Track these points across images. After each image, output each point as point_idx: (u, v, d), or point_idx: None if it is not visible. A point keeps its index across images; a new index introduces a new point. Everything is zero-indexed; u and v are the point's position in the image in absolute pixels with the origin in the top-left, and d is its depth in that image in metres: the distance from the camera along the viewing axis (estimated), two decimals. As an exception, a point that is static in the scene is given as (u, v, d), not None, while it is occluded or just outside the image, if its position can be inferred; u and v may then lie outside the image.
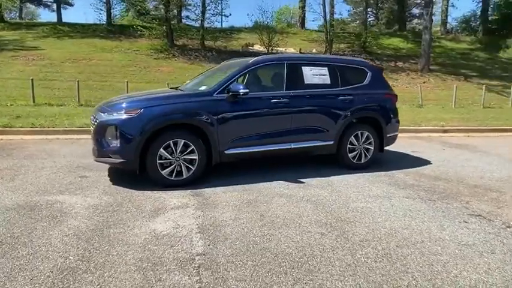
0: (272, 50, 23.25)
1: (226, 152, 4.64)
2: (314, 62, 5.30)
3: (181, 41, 23.78)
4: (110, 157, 4.31)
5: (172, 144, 4.34)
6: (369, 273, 2.57)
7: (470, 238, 3.17)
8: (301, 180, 4.80)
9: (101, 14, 26.58)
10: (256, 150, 4.81)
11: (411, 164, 5.90)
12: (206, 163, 4.55)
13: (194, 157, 4.45)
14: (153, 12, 24.99)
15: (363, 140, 5.48)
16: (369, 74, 5.64)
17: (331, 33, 23.34)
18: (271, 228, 3.27)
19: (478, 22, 32.12)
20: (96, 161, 4.56)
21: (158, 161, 4.29)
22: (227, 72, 5.07)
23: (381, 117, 5.56)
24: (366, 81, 5.57)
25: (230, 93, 4.57)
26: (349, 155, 5.41)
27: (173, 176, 4.38)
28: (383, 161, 6.02)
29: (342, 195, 4.26)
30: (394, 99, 5.81)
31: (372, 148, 5.56)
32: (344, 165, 5.42)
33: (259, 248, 2.90)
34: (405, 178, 5.06)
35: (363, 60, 5.85)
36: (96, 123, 4.48)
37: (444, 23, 33.09)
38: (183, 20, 26.24)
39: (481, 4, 31.17)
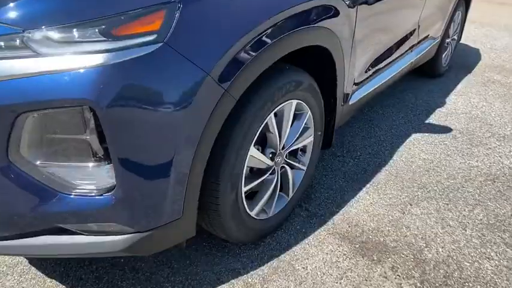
0: None
1: (350, 102, 1.86)
2: None
3: None
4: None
5: (273, 122, 1.33)
6: None
7: None
8: (434, 123, 2.56)
9: None
10: (381, 83, 2.15)
11: (474, 57, 4.10)
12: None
13: (308, 141, 1.58)
14: None
15: (454, 29, 3.35)
16: None
17: None
18: None
19: None
20: None
21: (243, 189, 1.30)
22: None
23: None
24: None
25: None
26: (443, 56, 3.27)
27: (272, 210, 1.51)
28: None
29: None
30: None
31: (456, 39, 3.52)
32: (434, 73, 3.29)
33: None
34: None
35: None
36: None
37: None
38: None
39: None
